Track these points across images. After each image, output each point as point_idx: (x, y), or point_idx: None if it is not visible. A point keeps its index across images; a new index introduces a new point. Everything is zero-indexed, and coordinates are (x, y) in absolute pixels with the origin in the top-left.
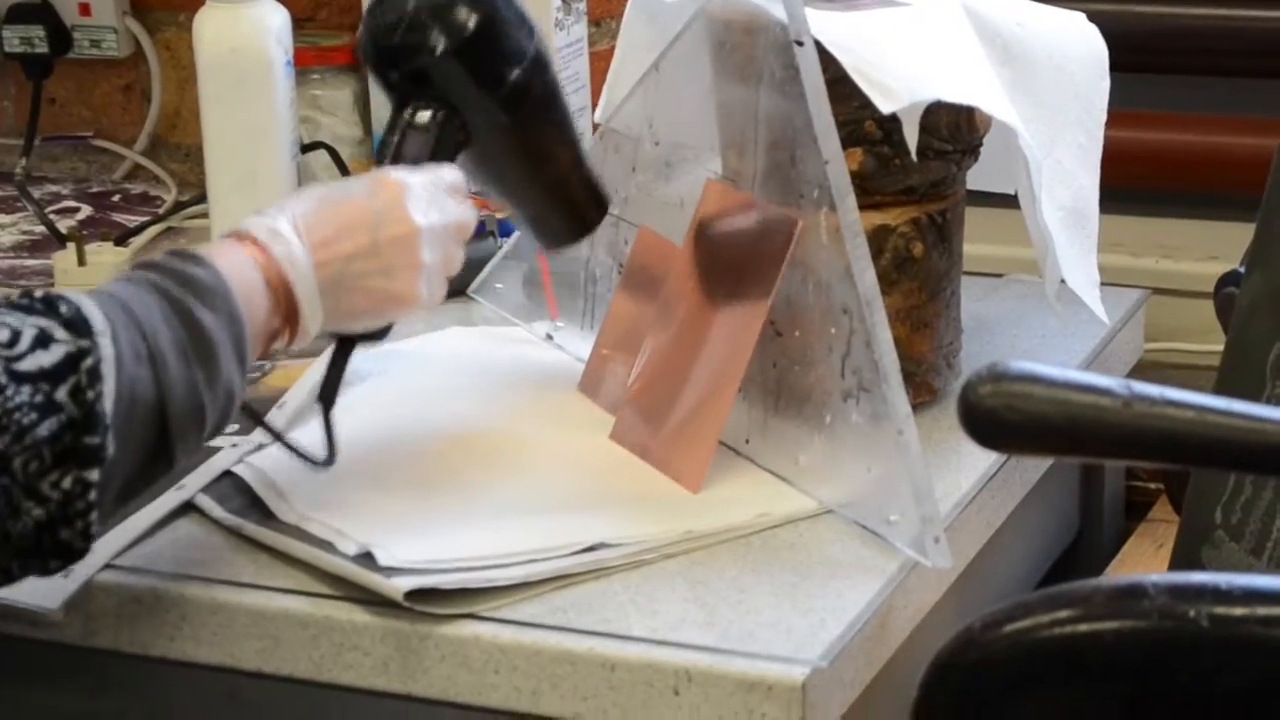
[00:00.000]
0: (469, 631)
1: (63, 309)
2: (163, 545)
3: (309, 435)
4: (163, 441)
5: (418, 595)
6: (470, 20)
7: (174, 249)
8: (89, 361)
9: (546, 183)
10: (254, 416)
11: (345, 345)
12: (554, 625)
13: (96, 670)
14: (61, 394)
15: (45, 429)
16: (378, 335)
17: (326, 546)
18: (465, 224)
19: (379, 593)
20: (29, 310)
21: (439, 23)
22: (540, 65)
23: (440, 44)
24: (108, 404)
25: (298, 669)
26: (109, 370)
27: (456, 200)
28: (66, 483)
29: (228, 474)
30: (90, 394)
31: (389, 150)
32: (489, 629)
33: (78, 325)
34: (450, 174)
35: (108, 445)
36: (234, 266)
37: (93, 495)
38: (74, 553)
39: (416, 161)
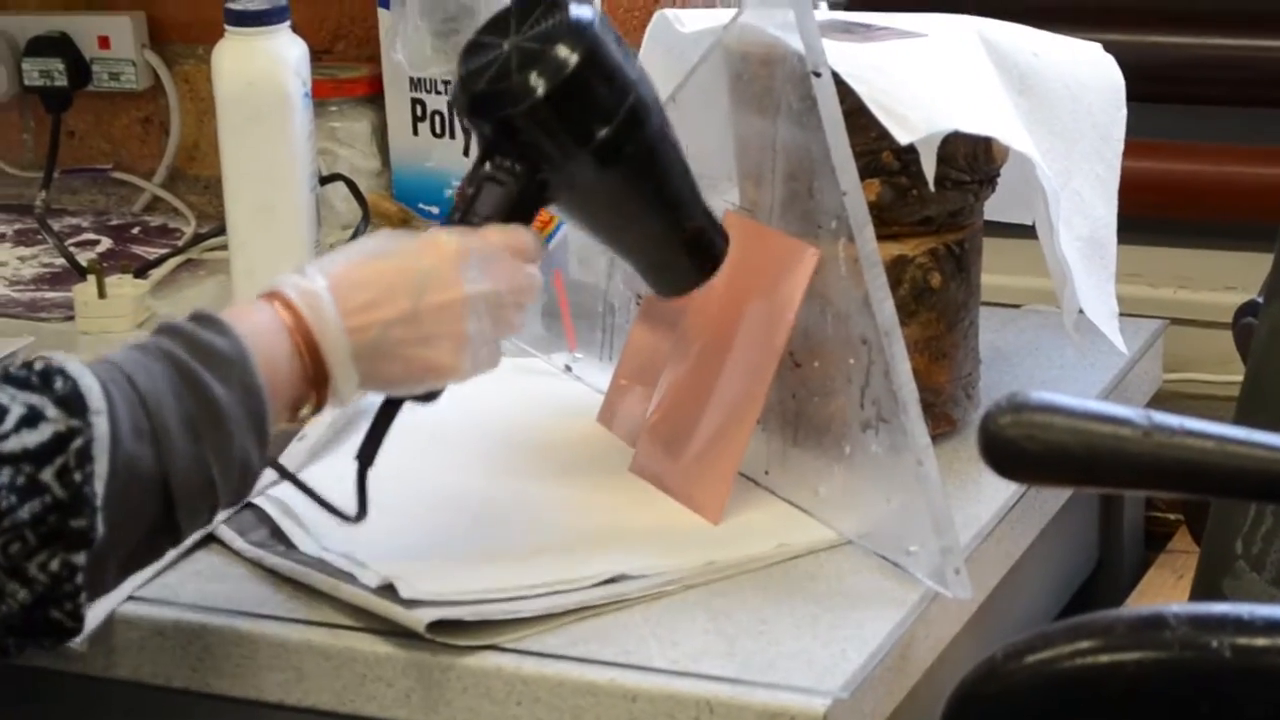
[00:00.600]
0: (491, 663)
1: (58, 385)
2: (185, 577)
3: (331, 470)
4: (168, 517)
5: (440, 627)
6: (558, 71)
7: (198, 311)
8: (79, 442)
9: (653, 236)
10: (286, 474)
11: (390, 406)
12: (576, 657)
13: (119, 702)
14: (47, 475)
15: (26, 511)
16: (428, 397)
17: (348, 578)
18: (524, 289)
19: (401, 624)
20: (23, 384)
21: (527, 71)
22: (637, 120)
23: (527, 95)
24: (98, 485)
25: (320, 700)
26: (101, 450)
27: (517, 264)
28: (54, 565)
29: (249, 505)
30: (78, 475)
31: (462, 204)
32: (511, 660)
33: (71, 403)
34: (518, 235)
35: (96, 527)
36: (259, 330)
37: (79, 579)
38: (65, 631)
39: (489, 218)
